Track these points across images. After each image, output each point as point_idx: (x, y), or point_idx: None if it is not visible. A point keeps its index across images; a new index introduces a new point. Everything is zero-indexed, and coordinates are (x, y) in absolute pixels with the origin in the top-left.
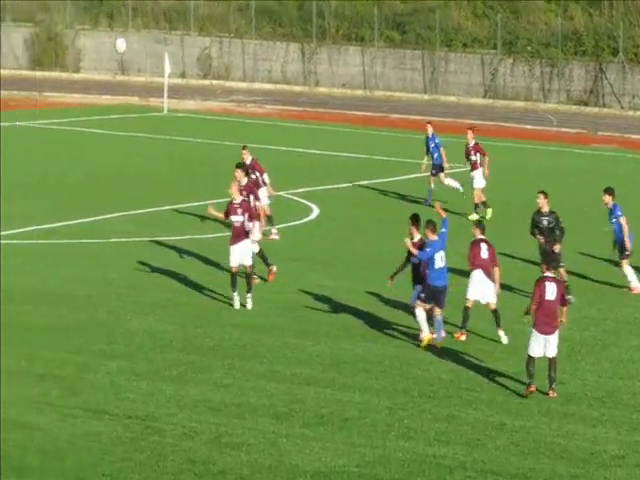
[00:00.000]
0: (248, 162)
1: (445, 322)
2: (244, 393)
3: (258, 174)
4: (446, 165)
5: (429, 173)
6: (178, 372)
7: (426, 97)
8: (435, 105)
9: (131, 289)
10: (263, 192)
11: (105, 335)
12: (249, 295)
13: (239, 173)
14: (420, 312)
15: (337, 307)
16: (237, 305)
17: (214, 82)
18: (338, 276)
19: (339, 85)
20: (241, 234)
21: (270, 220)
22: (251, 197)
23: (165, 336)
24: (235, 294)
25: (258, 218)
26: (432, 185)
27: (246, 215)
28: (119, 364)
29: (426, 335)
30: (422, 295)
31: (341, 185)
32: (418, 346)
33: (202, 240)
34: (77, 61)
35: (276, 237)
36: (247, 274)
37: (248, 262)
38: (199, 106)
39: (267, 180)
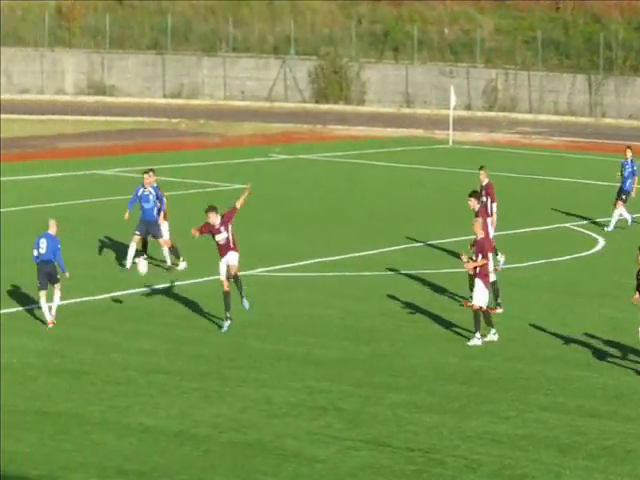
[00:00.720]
0: (484, 183)
1: None
2: (527, 425)
3: (489, 199)
4: (633, 195)
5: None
6: (460, 404)
7: None
8: None
9: (412, 321)
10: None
11: (387, 368)
12: (492, 330)
13: (472, 202)
14: None
15: (623, 339)
16: (481, 339)
17: (499, 114)
18: (624, 308)
19: (626, 116)
20: (477, 273)
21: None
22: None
23: (447, 368)
24: (485, 331)
25: (492, 250)
26: (618, 210)
27: (479, 256)
28: (401, 396)
29: None
30: None
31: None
32: None
33: None
34: (362, 94)
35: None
36: (474, 312)
37: (476, 301)
38: (484, 138)
39: (495, 210)
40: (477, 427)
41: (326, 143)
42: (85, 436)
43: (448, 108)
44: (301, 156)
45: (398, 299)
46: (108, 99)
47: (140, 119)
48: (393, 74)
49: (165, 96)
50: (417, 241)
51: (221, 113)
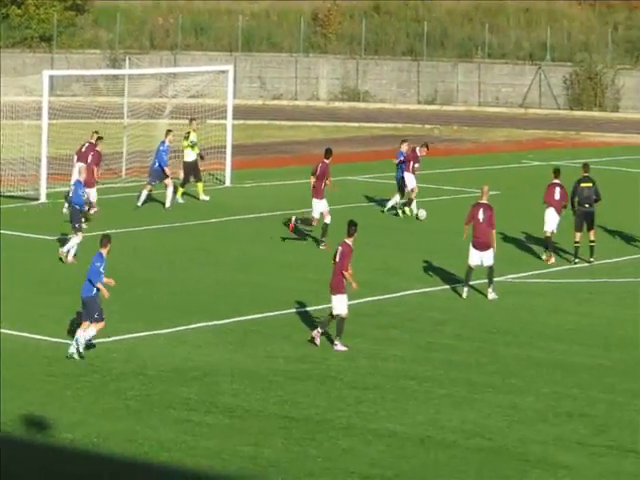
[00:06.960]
0: None
1: None
2: None
3: None
4: None
5: None
6: None
7: None
8: None
9: None
10: None
11: (636, 374)
12: None
13: None
14: None
15: None
16: None
17: None
18: None
19: None
20: None
21: None
22: None
23: None
24: None
25: None
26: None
27: None
28: None
29: None
30: None
31: None
32: None
33: None
34: (616, 100)
35: None
36: None
37: None
38: None
39: None
40: None
41: (579, 150)
42: (331, 442)
43: None
44: (553, 162)
45: None
46: (362, 105)
47: (394, 125)
48: None
49: (419, 102)
50: None
51: (475, 119)
